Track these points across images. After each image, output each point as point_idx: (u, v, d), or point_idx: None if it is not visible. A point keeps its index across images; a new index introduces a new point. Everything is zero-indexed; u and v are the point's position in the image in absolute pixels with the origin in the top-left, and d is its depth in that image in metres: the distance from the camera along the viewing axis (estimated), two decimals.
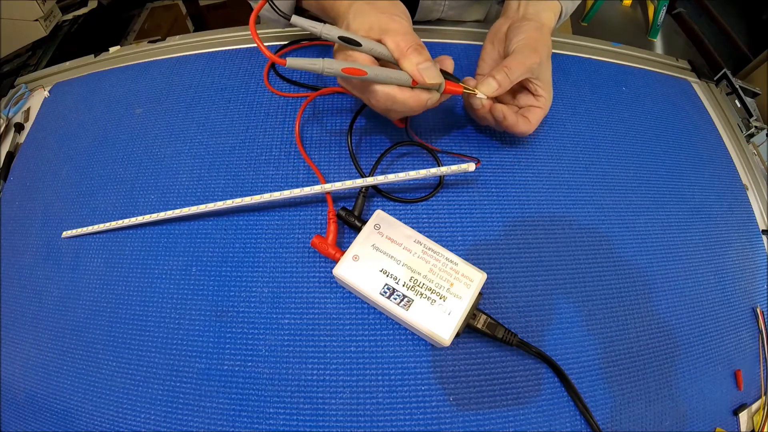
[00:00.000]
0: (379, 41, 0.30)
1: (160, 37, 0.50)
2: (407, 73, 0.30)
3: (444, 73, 0.32)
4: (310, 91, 0.42)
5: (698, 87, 0.50)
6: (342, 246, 0.33)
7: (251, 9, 0.29)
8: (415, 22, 0.51)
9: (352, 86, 0.32)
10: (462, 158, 0.38)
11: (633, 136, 0.43)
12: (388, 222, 0.31)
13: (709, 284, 0.37)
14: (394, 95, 0.30)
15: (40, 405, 0.31)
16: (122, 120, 0.42)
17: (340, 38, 0.29)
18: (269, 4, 0.28)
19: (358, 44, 0.29)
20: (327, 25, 0.29)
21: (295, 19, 0.28)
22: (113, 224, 0.36)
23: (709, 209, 0.40)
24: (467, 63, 0.45)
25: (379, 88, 0.30)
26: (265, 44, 0.47)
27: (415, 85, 0.30)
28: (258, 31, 0.49)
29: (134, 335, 0.32)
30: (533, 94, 0.36)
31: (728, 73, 0.50)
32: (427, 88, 0.31)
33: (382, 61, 0.31)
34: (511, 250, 0.35)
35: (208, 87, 0.43)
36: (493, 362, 0.31)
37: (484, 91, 0.33)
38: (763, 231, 0.41)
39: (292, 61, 0.27)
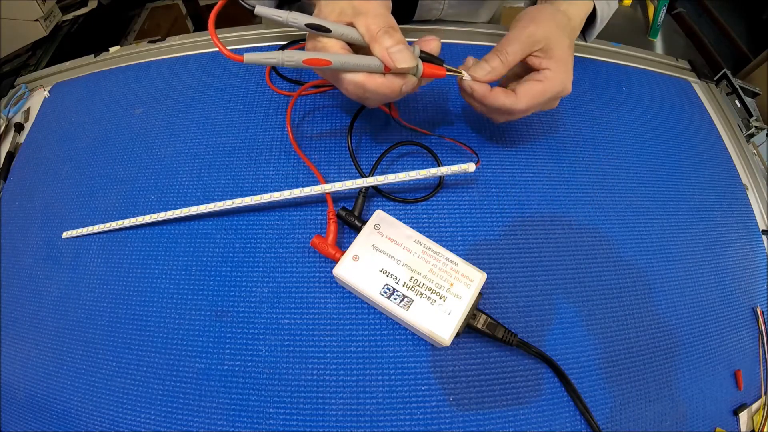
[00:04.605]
0: (352, 25, 0.28)
1: (160, 37, 0.50)
2: (378, 59, 0.28)
3: (426, 55, 0.30)
4: (311, 89, 0.42)
5: (698, 87, 0.50)
6: (342, 246, 0.33)
7: (248, 9, 0.28)
8: (414, 22, 0.51)
9: (325, 75, 0.30)
10: (462, 147, 0.38)
11: (633, 136, 0.43)
12: (388, 222, 0.31)
13: (709, 284, 0.37)
14: (364, 83, 0.28)
15: (40, 405, 0.31)
16: (122, 120, 0.42)
17: (308, 25, 0.27)
18: None
19: (327, 30, 0.27)
20: (293, 12, 0.27)
21: (259, 9, 0.27)
22: (113, 224, 0.36)
23: (709, 209, 0.40)
24: None
25: (348, 77, 0.28)
26: (265, 44, 0.47)
27: (388, 71, 0.28)
28: (258, 32, 0.49)
29: (134, 335, 0.32)
30: (535, 69, 0.32)
31: (728, 73, 0.50)
32: (403, 73, 0.28)
33: (357, 47, 0.29)
34: (511, 250, 0.35)
35: (208, 87, 0.43)
36: (493, 362, 0.31)
37: (475, 74, 0.31)
38: (763, 231, 0.41)
39: (250, 56, 0.26)
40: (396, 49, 0.27)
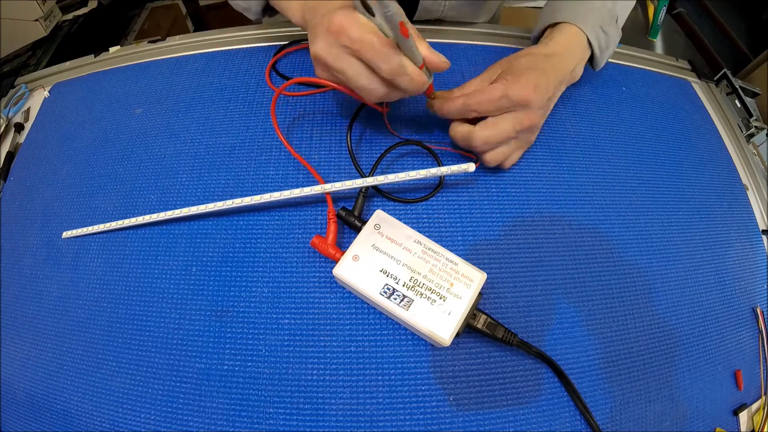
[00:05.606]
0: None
1: (160, 37, 0.50)
2: (421, 54, 0.30)
3: None
4: (310, 89, 0.42)
5: (698, 87, 0.50)
6: (342, 246, 0.33)
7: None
8: (414, 22, 0.51)
9: (364, 48, 0.29)
10: (459, 153, 0.38)
11: (633, 136, 0.43)
12: (388, 222, 0.31)
13: (709, 284, 0.37)
14: (406, 66, 0.29)
15: (40, 405, 0.31)
16: (122, 120, 0.42)
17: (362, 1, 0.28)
18: None
19: (372, 14, 0.28)
20: None
21: None
22: (113, 224, 0.36)
23: (709, 209, 0.40)
24: (467, 64, 0.45)
25: (399, 57, 0.29)
26: (266, 44, 0.47)
27: (422, 67, 0.30)
28: (258, 32, 0.49)
29: (134, 335, 0.32)
30: None
31: (728, 73, 0.50)
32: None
33: None
34: (511, 250, 0.35)
35: (208, 87, 0.43)
36: (493, 362, 0.31)
37: (439, 105, 0.35)
38: (763, 231, 0.41)
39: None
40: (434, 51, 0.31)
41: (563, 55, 0.37)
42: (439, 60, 0.31)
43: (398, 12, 0.26)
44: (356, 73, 0.29)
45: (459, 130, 0.34)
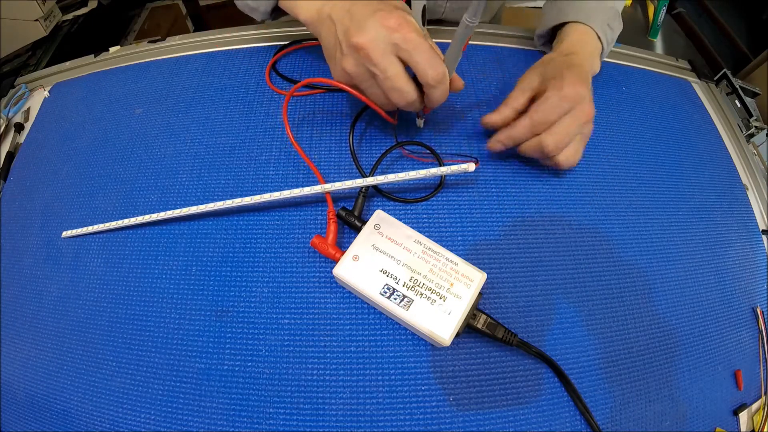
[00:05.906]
0: None
1: (160, 37, 0.50)
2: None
3: None
4: (306, 89, 0.42)
5: (698, 87, 0.50)
6: (342, 246, 0.33)
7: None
8: None
9: (406, 42, 0.29)
10: (459, 154, 0.38)
11: (633, 136, 0.43)
12: (388, 222, 0.31)
13: (709, 284, 0.37)
14: (447, 77, 0.30)
15: (40, 405, 0.31)
16: (122, 120, 0.42)
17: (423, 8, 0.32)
18: None
19: (425, 25, 0.31)
20: None
21: None
22: (113, 224, 0.36)
23: (709, 209, 0.40)
24: (467, 64, 0.45)
25: (440, 63, 0.30)
26: (266, 44, 0.47)
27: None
28: (258, 32, 0.49)
29: (134, 335, 0.32)
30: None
31: (728, 73, 0.50)
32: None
33: None
34: (511, 250, 0.35)
35: (208, 87, 0.43)
36: (493, 362, 0.31)
37: (506, 136, 0.36)
38: (763, 231, 0.41)
39: None
40: None
41: (580, 52, 0.38)
42: (459, 80, 0.34)
43: (475, 27, 0.28)
44: (396, 74, 0.30)
45: (529, 144, 0.35)
